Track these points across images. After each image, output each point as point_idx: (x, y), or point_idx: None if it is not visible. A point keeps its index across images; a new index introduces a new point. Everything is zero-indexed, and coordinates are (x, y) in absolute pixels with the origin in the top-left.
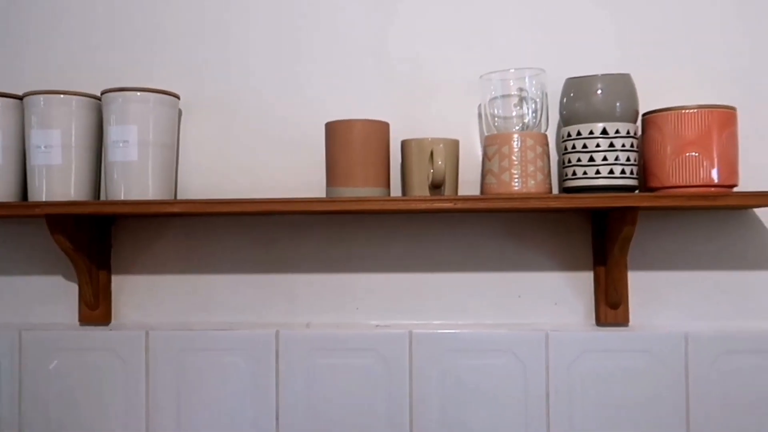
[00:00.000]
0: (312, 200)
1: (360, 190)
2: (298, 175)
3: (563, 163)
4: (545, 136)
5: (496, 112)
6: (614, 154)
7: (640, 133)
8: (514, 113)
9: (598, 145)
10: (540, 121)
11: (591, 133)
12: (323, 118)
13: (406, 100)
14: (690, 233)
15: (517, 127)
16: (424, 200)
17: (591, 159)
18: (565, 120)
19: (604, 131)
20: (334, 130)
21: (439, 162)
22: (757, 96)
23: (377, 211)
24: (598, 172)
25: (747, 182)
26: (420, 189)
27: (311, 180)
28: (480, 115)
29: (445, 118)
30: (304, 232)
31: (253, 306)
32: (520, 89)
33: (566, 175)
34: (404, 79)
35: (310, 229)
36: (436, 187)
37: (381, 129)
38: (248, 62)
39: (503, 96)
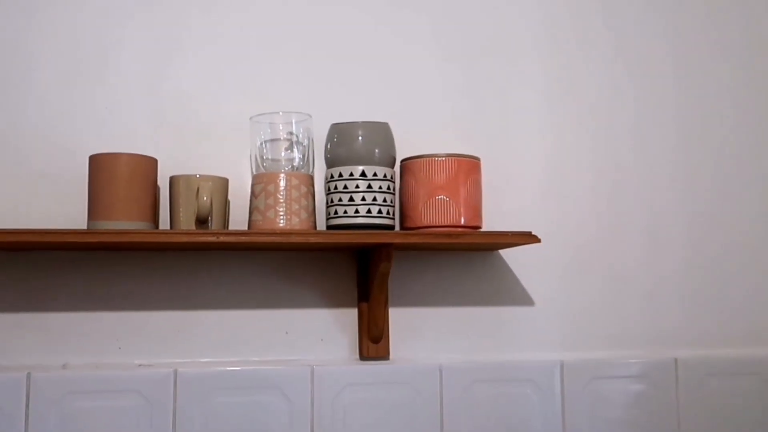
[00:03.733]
0: (67, 231)
1: (122, 224)
2: (61, 209)
3: (328, 203)
4: (310, 177)
5: (265, 154)
6: (372, 195)
7: (399, 178)
8: (283, 155)
9: (357, 186)
10: (307, 163)
11: (351, 175)
12: (91, 152)
13: (179, 138)
14: (444, 273)
15: (286, 169)
16: (188, 233)
17: (351, 199)
18: (329, 162)
19: (363, 174)
20: (98, 163)
21: (204, 198)
22: (500, 148)
23: (141, 246)
24: (357, 211)
25: (492, 226)
26: (187, 225)
27: (74, 215)
28: (251, 156)
29: (217, 158)
30: (62, 269)
31: (2, 348)
32: (290, 133)
33: (330, 214)
34: (178, 117)
35: (69, 265)
36: (201, 222)
37: (147, 164)
38: (15, 91)
39: (273, 140)
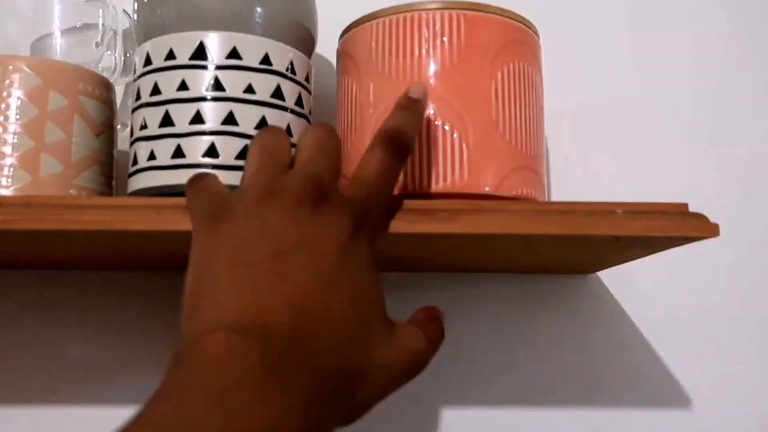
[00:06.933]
0: None
1: None
2: None
3: (131, 133)
4: (99, 79)
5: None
6: (224, 107)
7: (337, 84)
8: (57, 41)
9: (184, 85)
10: (117, 58)
11: (171, 56)
12: None
13: None
14: (458, 329)
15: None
16: None
17: (167, 119)
18: (140, 34)
19: (201, 52)
20: None
21: None
22: (582, 32)
23: None
24: (179, 151)
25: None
26: None
27: None
28: None
29: None
30: None
31: None
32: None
33: (132, 162)
34: None
35: None
36: None
37: None
38: None
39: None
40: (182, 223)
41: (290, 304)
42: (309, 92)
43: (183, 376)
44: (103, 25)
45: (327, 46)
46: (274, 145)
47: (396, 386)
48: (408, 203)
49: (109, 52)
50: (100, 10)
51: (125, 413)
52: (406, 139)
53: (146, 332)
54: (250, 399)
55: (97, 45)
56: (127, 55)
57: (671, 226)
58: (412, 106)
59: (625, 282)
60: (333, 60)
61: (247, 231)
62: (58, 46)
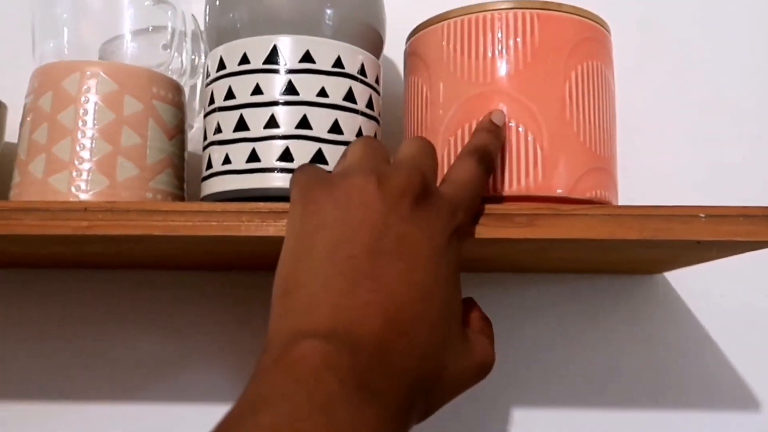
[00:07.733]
0: None
1: None
2: None
3: (204, 137)
4: (171, 83)
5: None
6: (299, 110)
7: (405, 85)
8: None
9: (258, 90)
10: (185, 60)
11: (245, 60)
12: None
13: None
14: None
15: None
16: None
17: (241, 124)
18: (212, 39)
19: (274, 57)
20: None
21: None
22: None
23: None
24: (254, 155)
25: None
26: None
27: None
28: (33, 52)
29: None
30: None
31: None
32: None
33: (205, 166)
34: None
35: None
36: None
37: None
38: None
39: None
40: (262, 228)
41: (383, 314)
42: (378, 94)
43: (283, 383)
44: (172, 27)
45: (390, 47)
46: (377, 144)
47: (460, 393)
48: (486, 207)
49: (176, 55)
50: (169, 12)
51: (192, 410)
52: (492, 158)
53: (214, 331)
54: (350, 412)
55: (165, 47)
56: (193, 57)
57: (758, 231)
58: (495, 129)
59: (692, 282)
60: (395, 60)
61: (351, 215)
62: (128, 49)
